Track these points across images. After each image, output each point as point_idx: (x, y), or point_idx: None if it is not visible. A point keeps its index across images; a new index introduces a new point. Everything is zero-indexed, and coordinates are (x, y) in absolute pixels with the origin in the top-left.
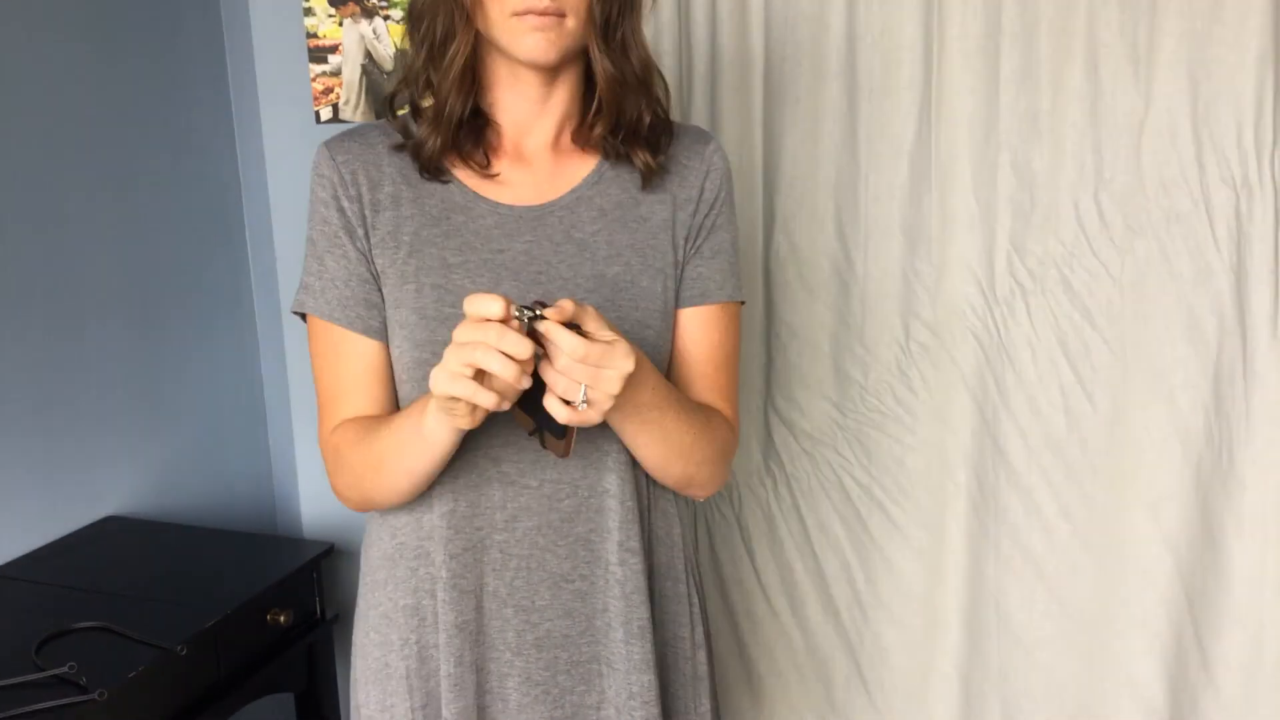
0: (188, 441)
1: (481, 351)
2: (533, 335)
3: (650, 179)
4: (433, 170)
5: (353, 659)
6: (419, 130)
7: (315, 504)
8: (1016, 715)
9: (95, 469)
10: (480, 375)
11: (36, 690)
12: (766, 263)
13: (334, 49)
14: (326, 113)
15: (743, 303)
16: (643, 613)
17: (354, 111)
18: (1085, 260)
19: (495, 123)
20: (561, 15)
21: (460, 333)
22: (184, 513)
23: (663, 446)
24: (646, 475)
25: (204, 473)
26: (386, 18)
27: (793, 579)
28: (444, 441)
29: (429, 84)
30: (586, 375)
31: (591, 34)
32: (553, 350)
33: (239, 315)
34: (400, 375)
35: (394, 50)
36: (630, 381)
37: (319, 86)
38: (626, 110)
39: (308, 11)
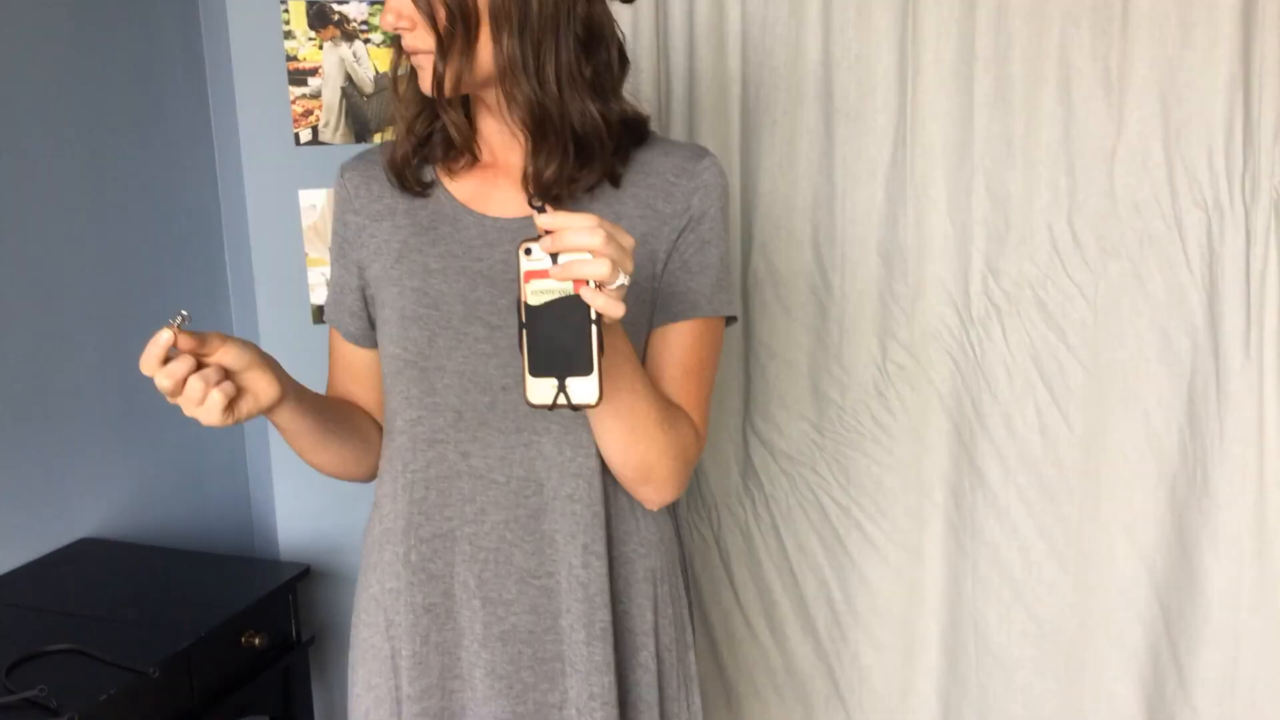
0: (164, 463)
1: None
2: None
3: (618, 181)
4: (405, 183)
5: (350, 642)
6: (392, 147)
7: (292, 526)
8: None
9: (71, 490)
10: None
11: (7, 713)
12: (745, 284)
13: (314, 72)
14: (306, 135)
15: (734, 318)
16: (605, 615)
17: (333, 134)
18: (1059, 281)
19: (484, 142)
20: (429, 52)
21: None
22: (160, 534)
23: (628, 433)
24: (614, 480)
25: (181, 494)
26: (366, 40)
27: (771, 599)
28: (281, 425)
29: (415, 102)
30: (613, 248)
31: (496, 66)
32: (563, 236)
33: None
34: (384, 369)
35: (374, 73)
36: (615, 352)
37: (299, 109)
38: (547, 136)
39: (288, 34)
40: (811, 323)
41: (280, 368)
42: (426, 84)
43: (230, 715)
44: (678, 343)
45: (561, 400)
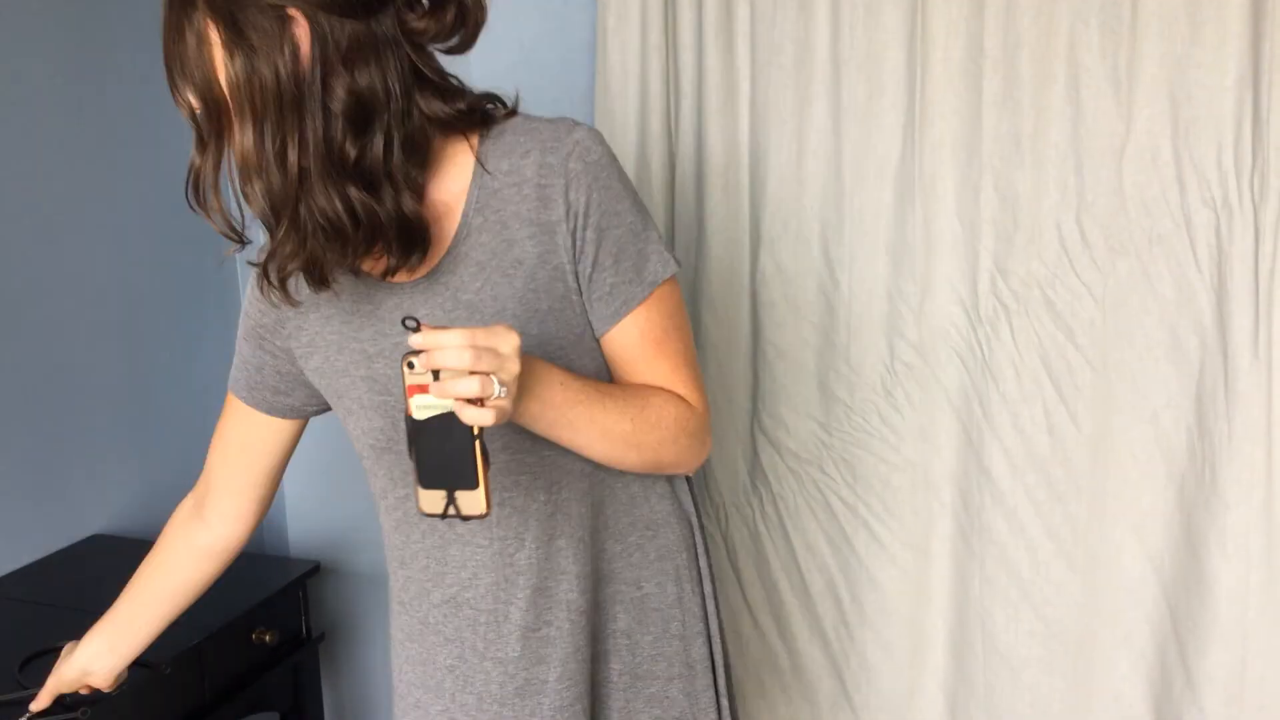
0: (174, 460)
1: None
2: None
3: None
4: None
5: (391, 619)
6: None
7: (302, 522)
8: None
9: (81, 488)
10: None
11: (19, 709)
12: (753, 283)
13: None
14: None
15: (672, 271)
16: (581, 640)
17: None
18: (1068, 280)
19: None
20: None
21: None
22: None
23: (604, 441)
24: (604, 485)
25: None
26: None
27: (779, 598)
28: None
29: None
30: (486, 361)
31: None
32: (435, 356)
33: (225, 333)
34: (358, 448)
35: None
36: (533, 376)
37: None
38: (286, 230)
39: None
40: (819, 321)
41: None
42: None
43: (241, 711)
44: (629, 338)
45: (452, 511)
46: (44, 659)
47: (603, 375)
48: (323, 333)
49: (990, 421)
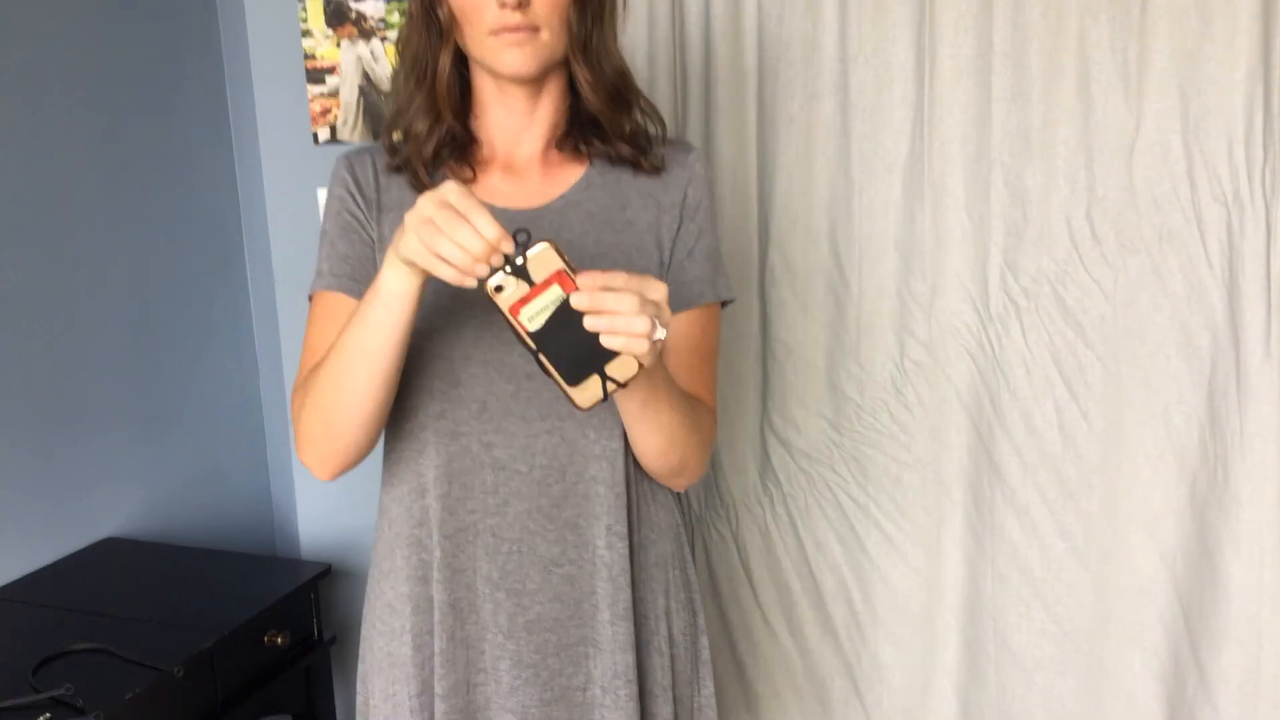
0: (187, 463)
1: (446, 243)
2: (521, 275)
3: (640, 171)
4: (422, 186)
5: (360, 655)
6: (408, 149)
7: (314, 525)
8: None
9: (95, 491)
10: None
11: (34, 711)
12: (761, 281)
13: (331, 70)
14: (324, 133)
15: (732, 299)
16: (627, 595)
17: (351, 132)
18: (1078, 277)
19: (486, 140)
20: (535, 29)
21: (436, 216)
22: (183, 534)
23: (662, 434)
24: (635, 464)
25: (203, 495)
26: (384, 39)
27: (790, 598)
28: (402, 294)
29: (420, 107)
30: (649, 306)
31: (571, 46)
32: (602, 295)
33: (238, 337)
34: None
35: (391, 71)
36: (656, 375)
37: (316, 107)
38: (610, 114)
39: (306, 33)
40: (829, 320)
41: None
42: (528, 61)
43: (253, 713)
44: (688, 330)
45: (610, 387)
46: (58, 662)
47: None
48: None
49: (1001, 419)
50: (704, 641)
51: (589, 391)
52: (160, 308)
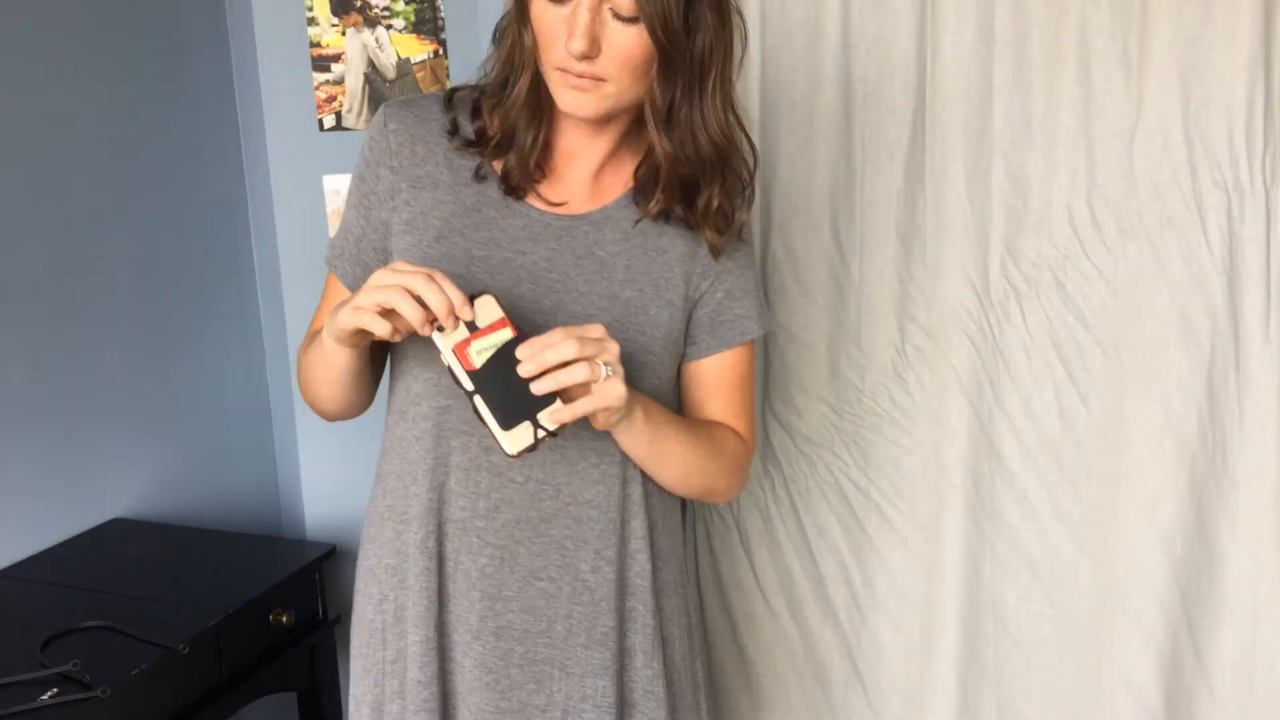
0: (193, 445)
1: (396, 294)
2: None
3: (718, 254)
4: (511, 192)
5: (364, 549)
6: (473, 133)
7: (319, 506)
8: (1013, 716)
9: (102, 472)
10: (388, 314)
11: (43, 687)
12: (763, 267)
13: (337, 58)
14: (330, 120)
15: (772, 329)
16: (608, 620)
17: (357, 119)
18: (1079, 263)
19: (549, 142)
20: (600, 80)
21: (383, 277)
22: (189, 515)
23: (676, 468)
24: (642, 489)
25: (209, 476)
26: (389, 27)
27: (791, 581)
28: (337, 357)
29: (523, 114)
30: (589, 348)
31: (650, 113)
32: (542, 353)
33: (245, 319)
34: (410, 351)
35: (395, 59)
36: (656, 413)
37: (322, 95)
38: (697, 189)
39: (311, 21)
40: (830, 305)
41: None
42: (585, 108)
43: (258, 691)
44: (730, 366)
45: (541, 435)
46: (65, 639)
47: (657, 396)
48: (428, 215)
49: (1001, 404)
50: (699, 665)
51: (519, 437)
52: (167, 292)
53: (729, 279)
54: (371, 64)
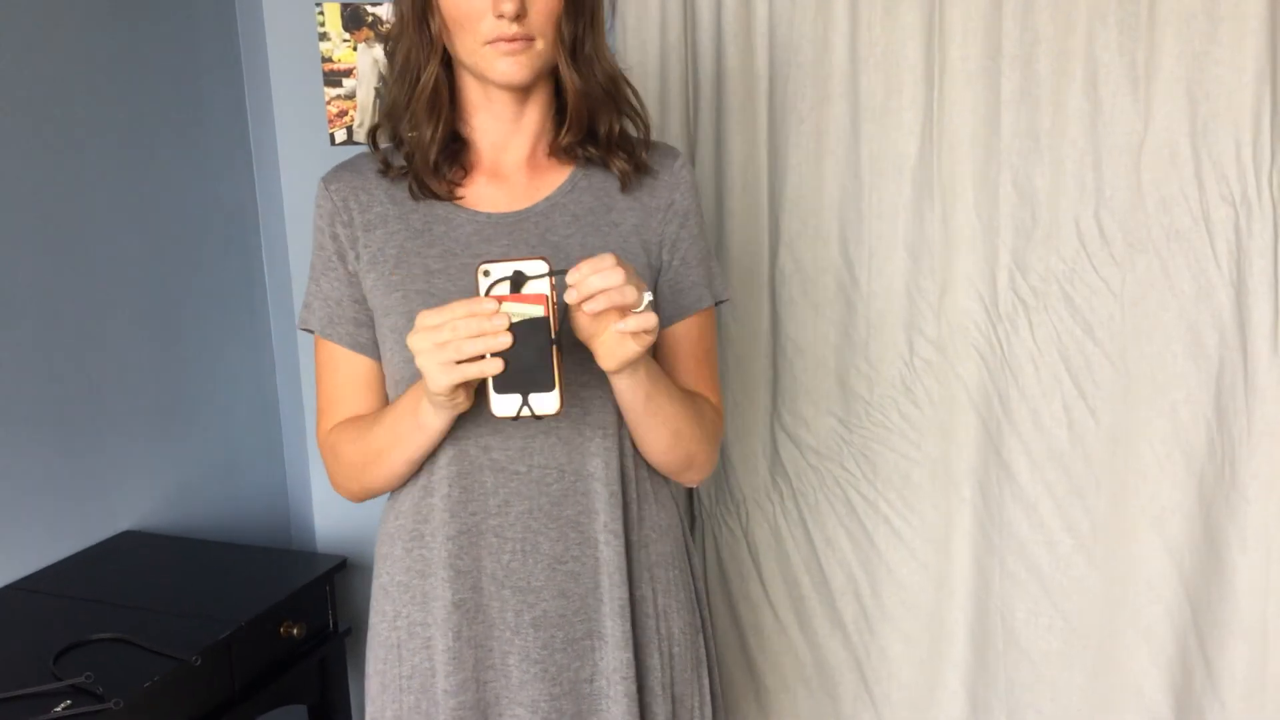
0: (204, 457)
1: (454, 345)
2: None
3: (628, 182)
4: (425, 191)
5: (379, 566)
6: (402, 158)
7: (329, 518)
8: None
9: (113, 485)
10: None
11: (55, 699)
12: (772, 280)
13: (348, 73)
14: (341, 135)
15: (727, 299)
16: (623, 592)
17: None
18: (1087, 276)
19: (473, 144)
20: (530, 39)
21: (430, 326)
22: (200, 527)
23: (666, 428)
24: (633, 461)
25: (220, 488)
26: None
27: (800, 593)
28: (441, 428)
29: (409, 114)
30: (634, 276)
31: (560, 52)
32: (590, 277)
33: (255, 333)
34: (394, 376)
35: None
36: (652, 370)
37: (334, 109)
38: (597, 120)
39: (323, 36)
40: (839, 318)
41: None
42: (521, 70)
43: (269, 703)
44: (689, 334)
45: (525, 413)
46: (78, 651)
47: None
48: (384, 249)
49: (1010, 417)
50: (702, 640)
51: (506, 405)
52: (179, 306)
53: (683, 247)
54: (383, 79)
